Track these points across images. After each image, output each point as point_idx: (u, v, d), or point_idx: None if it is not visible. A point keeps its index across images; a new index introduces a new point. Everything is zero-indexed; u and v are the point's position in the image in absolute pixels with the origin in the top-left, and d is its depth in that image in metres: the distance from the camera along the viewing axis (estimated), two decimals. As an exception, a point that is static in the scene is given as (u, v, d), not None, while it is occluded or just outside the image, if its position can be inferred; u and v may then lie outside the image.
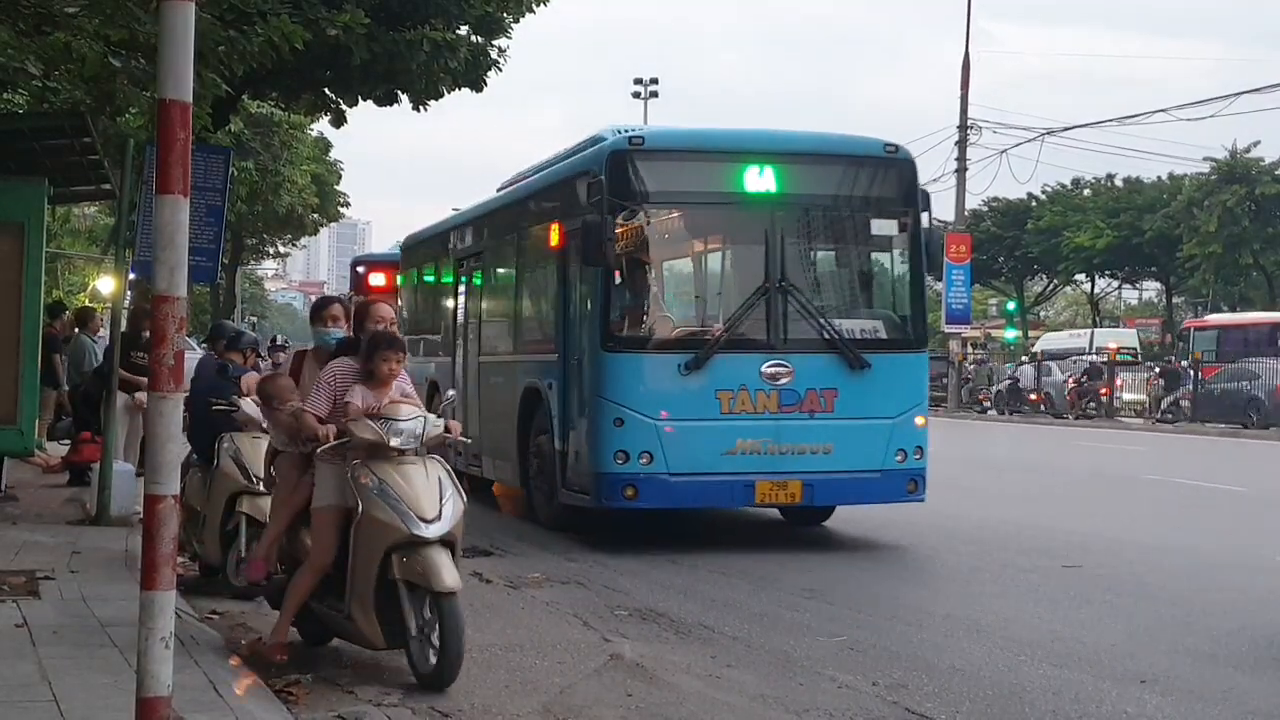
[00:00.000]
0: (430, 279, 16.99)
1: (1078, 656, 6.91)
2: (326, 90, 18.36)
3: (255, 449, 8.34)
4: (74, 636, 6.35)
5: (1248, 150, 46.74)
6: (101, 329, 15.93)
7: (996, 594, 8.87)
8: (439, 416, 6.46)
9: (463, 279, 14.88)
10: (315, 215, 46.14)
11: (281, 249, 60.11)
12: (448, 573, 5.89)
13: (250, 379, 9.22)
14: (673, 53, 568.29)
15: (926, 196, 11.08)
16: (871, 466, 10.45)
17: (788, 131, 11.76)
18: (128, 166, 11.07)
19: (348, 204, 52.85)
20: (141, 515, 4.66)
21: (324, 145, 44.57)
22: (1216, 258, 46.52)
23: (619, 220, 10.21)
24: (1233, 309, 55.21)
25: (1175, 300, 60.27)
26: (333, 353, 6.67)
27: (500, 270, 14.02)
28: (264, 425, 8.50)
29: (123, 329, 11.72)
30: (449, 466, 6.33)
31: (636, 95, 51.89)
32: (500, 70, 17.99)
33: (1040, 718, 5.79)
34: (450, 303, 15.32)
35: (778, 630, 7.54)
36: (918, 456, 10.61)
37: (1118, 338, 45.11)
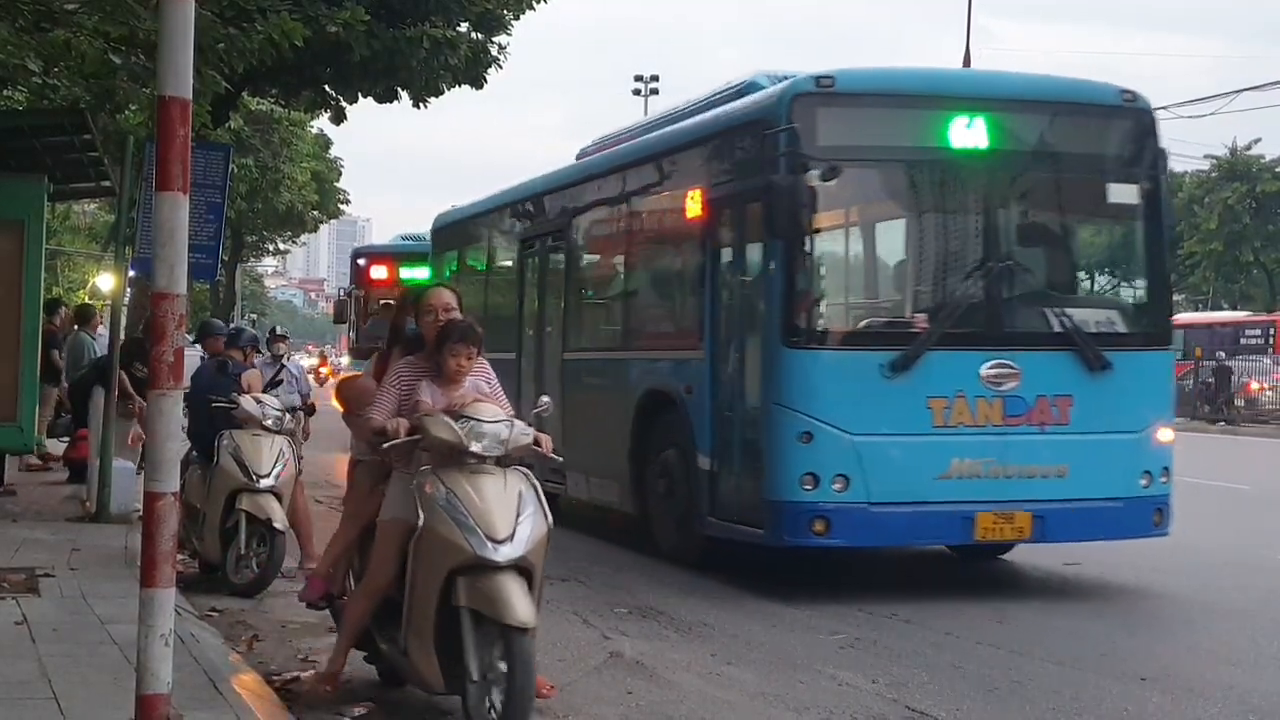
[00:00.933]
0: (478, 264, 14.86)
1: (1078, 654, 6.91)
2: (326, 87, 18.36)
3: (255, 446, 8.35)
4: (74, 634, 6.34)
5: (1248, 148, 46.75)
6: (101, 326, 15.92)
7: (996, 592, 8.87)
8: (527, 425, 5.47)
9: (532, 261, 12.72)
10: (315, 212, 46.13)
11: (281, 246, 60.07)
12: (520, 604, 5.01)
13: (251, 376, 9.23)
14: (673, 50, 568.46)
15: (1165, 157, 9.16)
16: (1113, 493, 8.59)
17: (1007, 74, 10.21)
18: (127, 163, 11.06)
19: (348, 201, 52.85)
20: (141, 513, 4.66)
21: (324, 142, 44.56)
22: (1217, 255, 46.56)
23: (811, 181, 8.22)
24: (1233, 307, 55.35)
25: (1176, 298, 60.22)
26: (383, 351, 5.90)
27: (598, 251, 11.91)
28: (265, 422, 8.54)
29: (132, 334, 11.71)
30: (535, 480, 5.37)
31: (637, 93, 51.88)
32: (500, 67, 18.00)
33: (1040, 715, 5.79)
34: (512, 291, 13.19)
35: (778, 628, 7.53)
36: (1164, 480, 8.81)
37: None
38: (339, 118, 19.40)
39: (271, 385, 9.77)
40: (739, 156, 9.18)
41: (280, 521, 8.21)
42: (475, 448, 5.16)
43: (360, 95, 18.21)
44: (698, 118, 10.35)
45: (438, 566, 5.07)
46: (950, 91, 9.11)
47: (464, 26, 17.20)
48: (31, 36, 10.28)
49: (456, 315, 5.55)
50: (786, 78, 9.05)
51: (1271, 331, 36.84)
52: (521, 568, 5.15)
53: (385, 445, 5.27)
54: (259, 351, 10.65)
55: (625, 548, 10.60)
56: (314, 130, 40.36)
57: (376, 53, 15.53)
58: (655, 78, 51.62)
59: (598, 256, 11.96)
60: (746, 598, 8.47)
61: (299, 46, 11.43)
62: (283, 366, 11.65)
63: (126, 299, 12.88)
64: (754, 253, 8.83)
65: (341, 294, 26.15)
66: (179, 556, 6.84)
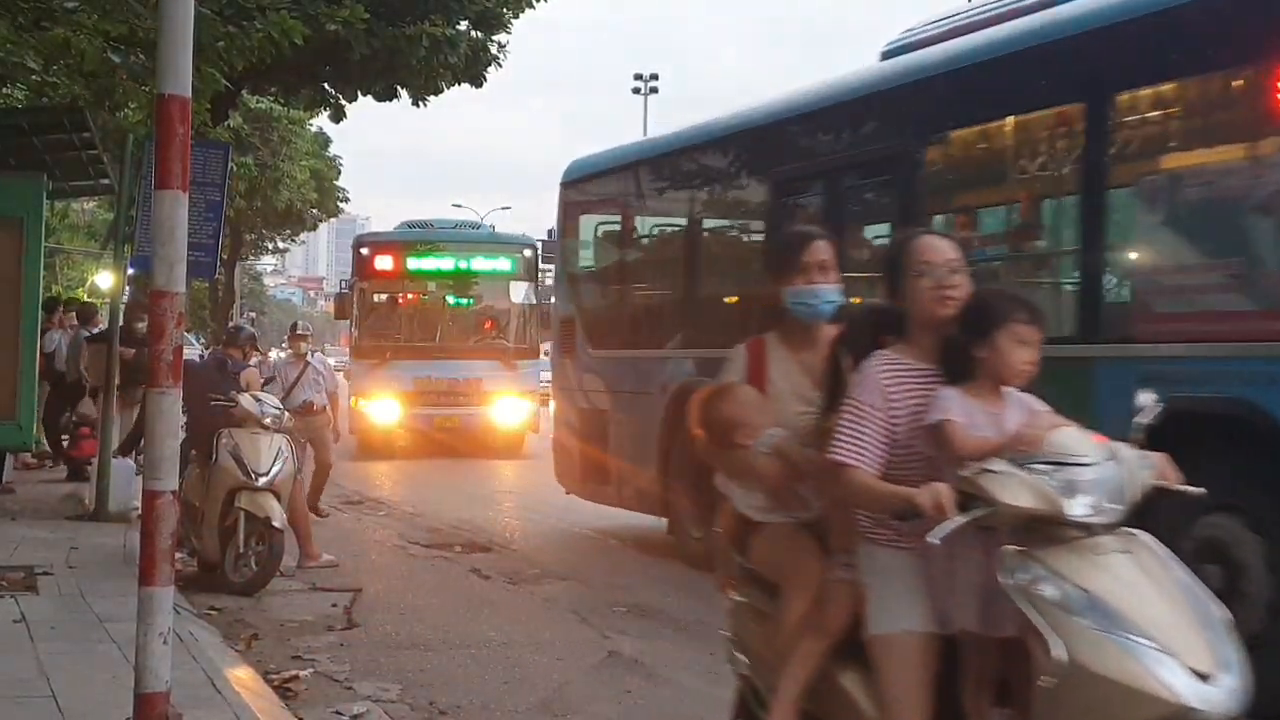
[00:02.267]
0: (666, 224, 11.20)
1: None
2: (326, 85, 18.37)
3: (254, 444, 8.34)
4: (72, 632, 6.34)
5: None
6: (101, 324, 15.93)
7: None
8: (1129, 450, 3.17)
9: (812, 210, 8.81)
10: (314, 210, 46.06)
11: (281, 244, 60.02)
12: None
13: (250, 374, 9.24)
14: (672, 48, 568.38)
15: None
16: None
17: None
18: (127, 161, 11.05)
19: (347, 199, 52.77)
20: (140, 511, 4.66)
21: (323, 141, 44.52)
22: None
23: None
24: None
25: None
26: (850, 332, 3.62)
27: (1003, 184, 7.61)
28: (264, 420, 8.52)
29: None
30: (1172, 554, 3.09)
31: (636, 91, 51.88)
32: (500, 66, 18.03)
33: (1039, 715, 5.77)
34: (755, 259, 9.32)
35: (776, 627, 7.53)
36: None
37: None
38: (338, 116, 19.41)
39: (266, 384, 9.79)
40: None
41: (279, 520, 8.20)
42: (1078, 513, 2.97)
43: (360, 93, 18.22)
44: None
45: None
46: None
47: (463, 25, 17.22)
48: (31, 34, 10.26)
49: (964, 277, 3.34)
50: None
51: None
52: None
53: (914, 528, 3.08)
54: (257, 349, 10.66)
55: (621, 547, 10.63)
56: (313, 128, 40.32)
57: (376, 51, 15.55)
58: (655, 76, 51.62)
59: (1005, 191, 7.66)
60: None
61: (298, 45, 11.42)
62: (308, 364, 11.67)
63: (125, 297, 12.86)
64: None
65: (343, 287, 24.39)
66: (178, 555, 6.84)
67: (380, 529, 11.61)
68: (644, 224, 11.43)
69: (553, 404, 12.35)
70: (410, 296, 21.09)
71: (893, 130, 8.28)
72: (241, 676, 5.72)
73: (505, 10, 17.66)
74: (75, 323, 15.13)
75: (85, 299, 20.85)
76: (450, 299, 21.22)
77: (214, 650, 6.22)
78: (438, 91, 17.76)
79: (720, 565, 4.00)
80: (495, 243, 21.55)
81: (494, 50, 17.78)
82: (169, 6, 4.16)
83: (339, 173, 47.94)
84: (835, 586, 3.50)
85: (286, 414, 8.83)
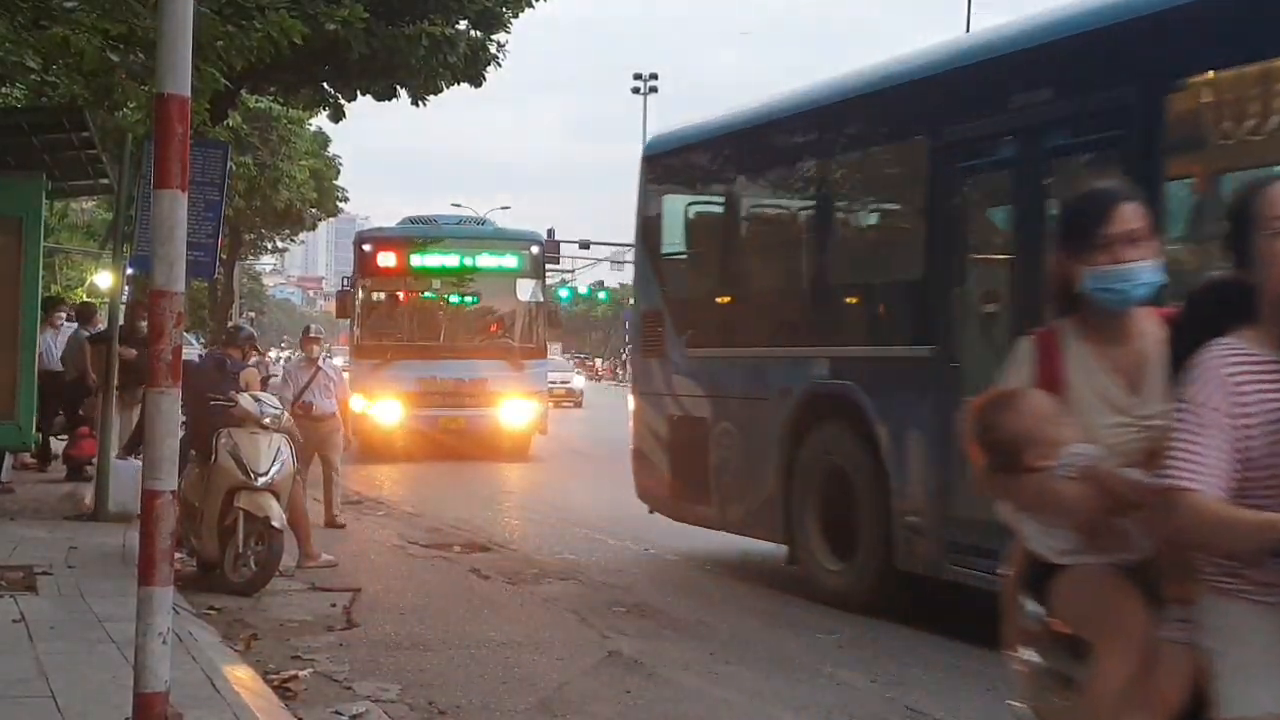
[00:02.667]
0: (783, 204, 9.77)
1: (1076, 654, 6.88)
2: (325, 85, 18.35)
3: (253, 444, 8.33)
4: (71, 632, 6.33)
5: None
6: (101, 324, 15.93)
7: (995, 589, 8.85)
8: None
9: (1001, 183, 7.54)
10: (314, 210, 46.04)
11: (280, 244, 60.02)
12: None
13: (249, 374, 9.23)
14: (673, 48, 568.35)
15: None
16: None
17: None
18: (126, 161, 11.05)
19: (346, 199, 52.76)
20: (140, 511, 4.65)
21: (322, 140, 44.51)
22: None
23: None
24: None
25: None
26: (1189, 314, 2.95)
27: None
28: (263, 420, 8.50)
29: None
30: None
31: (636, 91, 51.84)
32: (499, 65, 17.99)
33: (1038, 715, 5.77)
34: (916, 240, 7.89)
35: (776, 627, 7.53)
36: None
37: None
38: (338, 115, 19.38)
39: (265, 382, 9.79)
40: None
41: (278, 520, 8.20)
42: None
43: (359, 93, 18.19)
44: None
45: None
46: None
47: (463, 24, 17.19)
48: (30, 33, 10.26)
49: None
50: None
51: None
52: None
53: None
54: (256, 349, 10.65)
55: (624, 544, 10.62)
56: (312, 128, 40.30)
57: (375, 50, 15.52)
58: (654, 76, 51.61)
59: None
60: (744, 596, 8.47)
61: (298, 44, 11.42)
62: (319, 369, 11.65)
63: (124, 296, 12.86)
64: None
65: (345, 285, 22.80)
66: (177, 555, 6.83)
67: (380, 529, 11.61)
68: (755, 202, 10.02)
69: (630, 409, 10.60)
70: (414, 294, 20.39)
71: (1126, 73, 6.44)
72: (241, 676, 5.71)
73: (505, 10, 17.63)
74: (62, 321, 15.08)
75: (85, 299, 20.84)
76: (455, 297, 20.54)
77: (213, 650, 6.22)
78: (437, 91, 17.72)
79: (1008, 617, 3.34)
80: (501, 239, 20.98)
81: (493, 50, 17.75)
82: (168, 5, 4.16)
83: (338, 172, 47.95)
84: (1167, 650, 2.73)
85: (285, 414, 8.81)
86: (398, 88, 17.61)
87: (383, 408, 18.64)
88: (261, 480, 8.24)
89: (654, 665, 6.50)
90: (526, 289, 19.81)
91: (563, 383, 38.48)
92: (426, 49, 15.95)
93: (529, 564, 9.60)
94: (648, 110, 54.84)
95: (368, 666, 6.37)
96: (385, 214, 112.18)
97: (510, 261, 19.85)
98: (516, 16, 18.03)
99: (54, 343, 14.33)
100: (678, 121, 10.94)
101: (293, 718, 5.34)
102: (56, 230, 37.15)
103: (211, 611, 7.54)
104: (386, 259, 19.47)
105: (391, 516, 12.54)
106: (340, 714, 5.49)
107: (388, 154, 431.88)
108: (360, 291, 19.83)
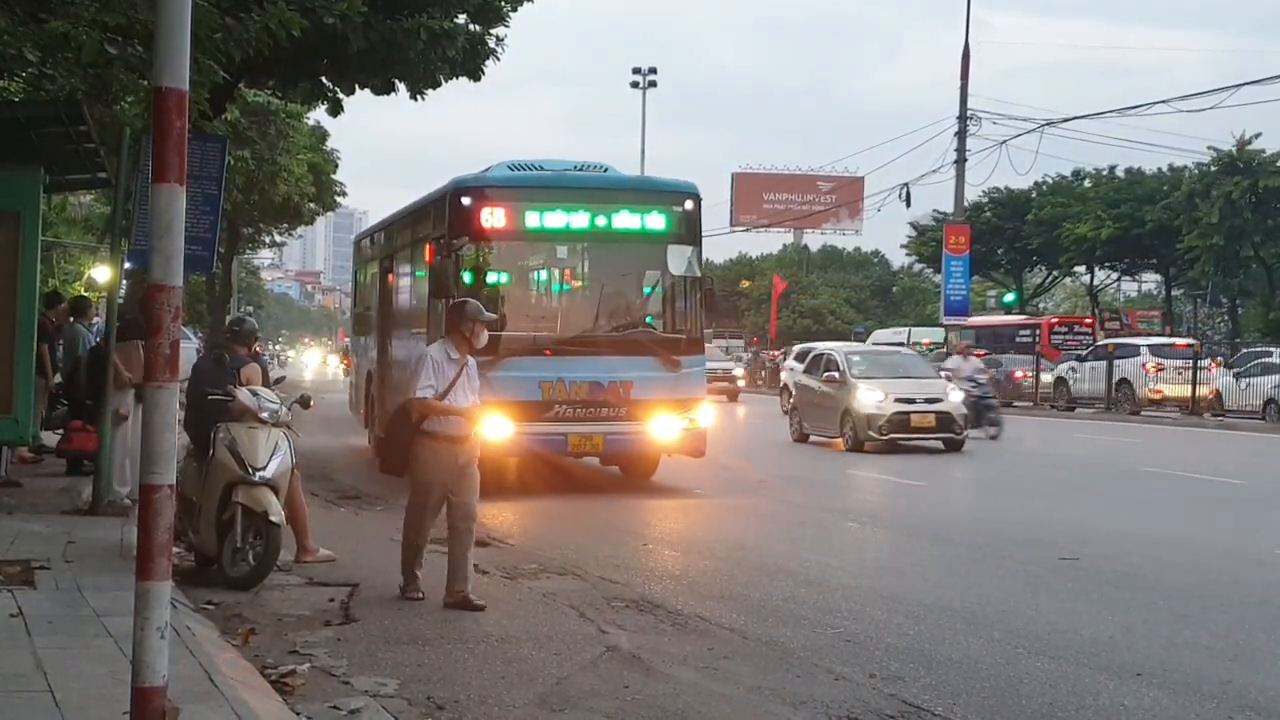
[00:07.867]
0: None
1: (1075, 649, 6.91)
2: (323, 79, 18.32)
3: (251, 439, 8.33)
4: (69, 626, 6.33)
5: (1249, 142, 46.72)
6: (97, 318, 15.90)
7: (995, 586, 8.87)
8: None
9: None
10: (312, 204, 46.00)
11: (278, 238, 60.01)
12: None
13: (251, 370, 9.21)
14: (671, 43, 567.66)
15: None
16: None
17: None
18: (124, 155, 11.03)
19: (344, 193, 52.69)
20: (137, 505, 4.64)
21: (321, 134, 44.46)
22: (1217, 250, 46.53)
23: None
24: (1232, 301, 55.52)
25: (1175, 293, 60.29)
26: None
27: None
28: (261, 415, 8.50)
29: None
30: None
31: (635, 85, 51.82)
32: (498, 59, 17.99)
33: (1037, 710, 5.79)
34: None
35: (775, 622, 7.53)
36: None
37: (930, 335, 47.39)
38: (336, 109, 19.35)
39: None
40: None
41: (276, 514, 8.19)
42: None
43: (357, 87, 18.19)
44: None
45: None
46: None
47: (461, 18, 17.19)
48: (28, 27, 10.24)
49: None
50: None
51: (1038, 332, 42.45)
52: None
53: None
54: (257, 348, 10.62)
55: (621, 538, 10.61)
56: (311, 122, 40.25)
57: (374, 44, 15.51)
58: (654, 70, 51.59)
59: None
60: (743, 591, 8.47)
61: (296, 37, 11.40)
62: (466, 365, 11.14)
63: (122, 291, 12.85)
64: None
65: (443, 246, 14.16)
66: (175, 549, 6.83)
67: (377, 524, 11.59)
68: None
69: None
70: (533, 266, 15.19)
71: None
72: (239, 671, 5.71)
73: (503, 3, 17.63)
74: (53, 316, 15.05)
75: (82, 293, 20.80)
76: (585, 270, 15.09)
77: (211, 645, 6.22)
78: (436, 85, 17.71)
79: None
80: (646, 189, 15.46)
81: (492, 43, 17.74)
82: (166, -1, 4.14)
83: (336, 166, 47.88)
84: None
85: (284, 409, 8.80)
86: (396, 81, 17.61)
87: (488, 424, 11.58)
88: (260, 475, 8.23)
89: (652, 660, 6.50)
90: (680, 259, 14.39)
91: (724, 373, 36.85)
92: (425, 43, 15.94)
93: (527, 559, 9.60)
94: (646, 104, 54.83)
95: (366, 661, 6.37)
96: (383, 209, 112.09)
97: (658, 221, 14.33)
98: (515, 10, 18.02)
99: (91, 337, 14.30)
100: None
101: (290, 712, 5.34)
102: (54, 224, 37.11)
103: (209, 606, 7.53)
104: (494, 217, 13.86)
105: (389, 511, 12.52)
106: (338, 709, 5.49)
107: (386, 148, 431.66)
108: (456, 261, 13.80)
